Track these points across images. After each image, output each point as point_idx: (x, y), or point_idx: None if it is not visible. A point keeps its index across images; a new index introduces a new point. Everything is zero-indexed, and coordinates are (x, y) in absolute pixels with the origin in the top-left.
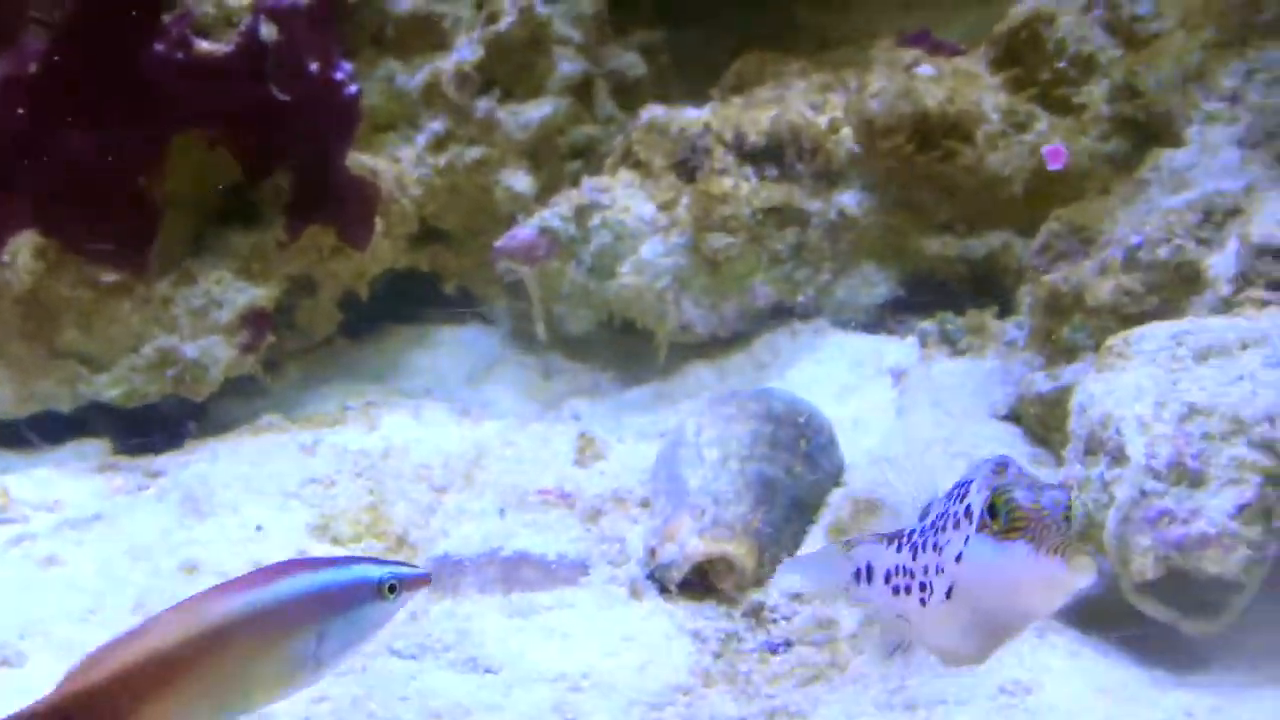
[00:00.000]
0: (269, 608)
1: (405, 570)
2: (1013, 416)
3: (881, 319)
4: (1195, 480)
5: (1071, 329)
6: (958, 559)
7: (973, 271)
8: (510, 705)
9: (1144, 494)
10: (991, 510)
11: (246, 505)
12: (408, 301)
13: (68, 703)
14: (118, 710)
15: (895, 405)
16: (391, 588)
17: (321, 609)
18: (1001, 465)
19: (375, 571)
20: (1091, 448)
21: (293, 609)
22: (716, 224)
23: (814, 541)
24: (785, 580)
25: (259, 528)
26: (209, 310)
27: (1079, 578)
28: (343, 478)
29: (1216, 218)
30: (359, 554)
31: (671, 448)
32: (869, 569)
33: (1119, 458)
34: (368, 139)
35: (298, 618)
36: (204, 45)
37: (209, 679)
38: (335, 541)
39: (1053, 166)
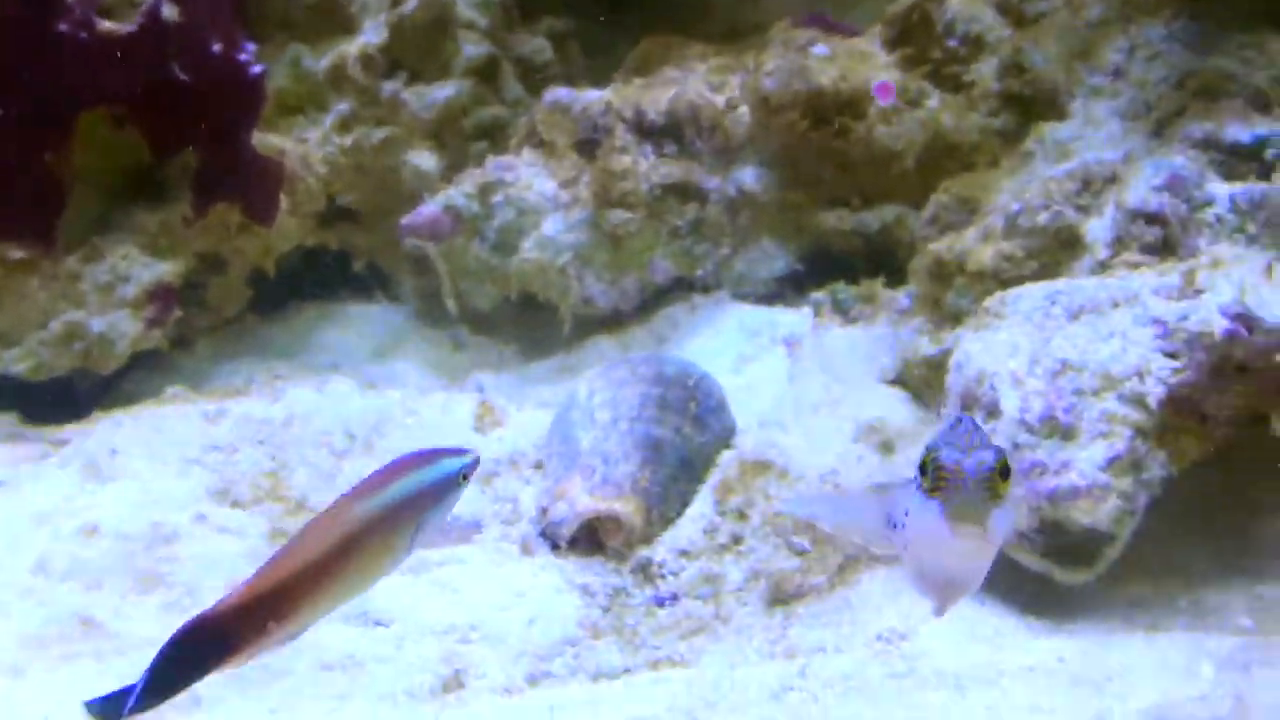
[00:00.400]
0: (388, 511)
1: (469, 459)
2: (900, 380)
3: (780, 292)
4: (1067, 434)
5: (956, 294)
6: (906, 514)
7: (868, 244)
8: (400, 657)
9: (1017, 447)
10: (922, 468)
11: (147, 471)
12: (317, 279)
13: (243, 600)
14: (280, 610)
15: (788, 372)
16: (465, 476)
17: (422, 505)
18: (957, 421)
19: (455, 464)
20: (967, 403)
21: (404, 509)
22: (616, 200)
23: (702, 501)
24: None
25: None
26: (115, 286)
27: (963, 543)
28: (245, 445)
29: (1095, 185)
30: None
31: (565, 410)
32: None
33: (993, 412)
34: (275, 121)
35: (408, 515)
36: (106, 25)
37: (343, 578)
38: (235, 505)
39: (884, 101)
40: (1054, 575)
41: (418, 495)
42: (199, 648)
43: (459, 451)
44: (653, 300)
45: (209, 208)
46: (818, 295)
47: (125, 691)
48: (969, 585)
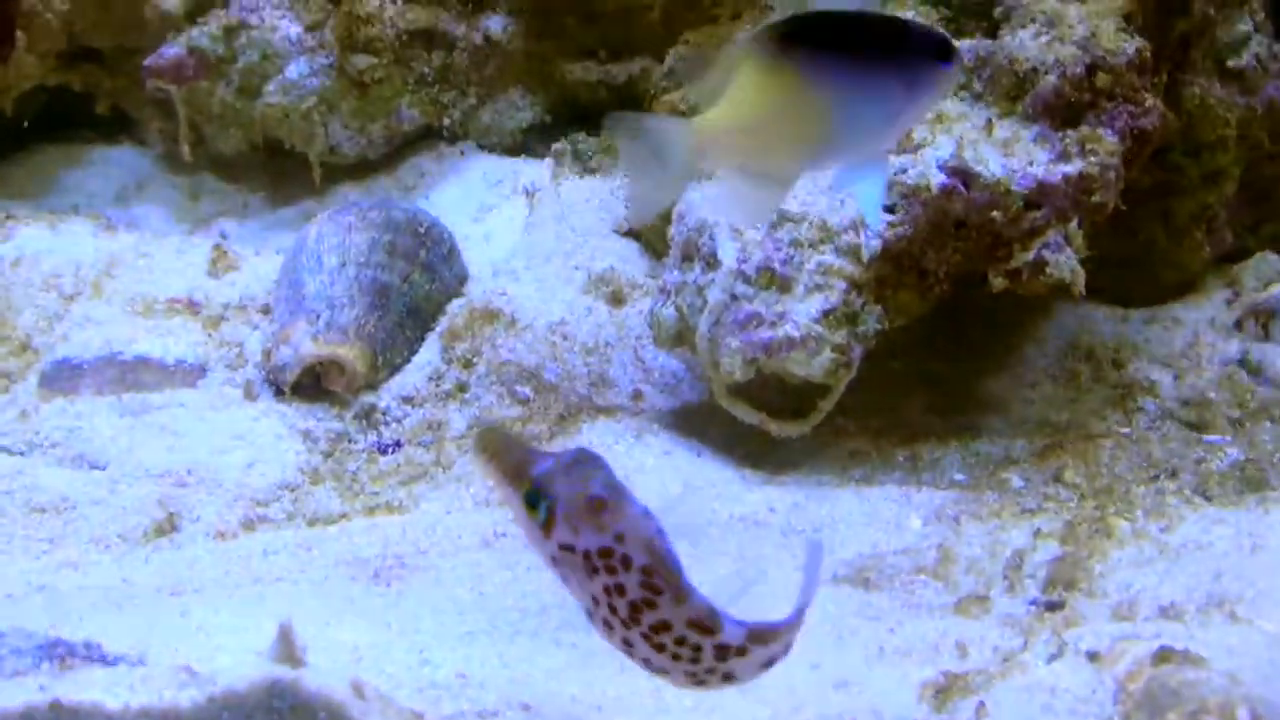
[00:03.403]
0: None
1: None
2: (633, 232)
3: (527, 143)
4: (783, 285)
5: None
6: None
7: (616, 96)
8: (114, 500)
9: (734, 298)
10: None
11: None
12: (60, 121)
13: None
14: None
15: (525, 222)
16: None
17: None
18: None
19: None
20: (687, 253)
21: None
22: (361, 45)
23: (429, 348)
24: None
25: None
26: None
27: None
28: None
29: None
30: None
31: (294, 255)
32: None
33: (712, 262)
34: None
35: None
36: None
37: None
38: None
39: None
40: (768, 427)
41: None
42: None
43: None
44: (400, 149)
45: None
46: (558, 145)
47: None
48: None
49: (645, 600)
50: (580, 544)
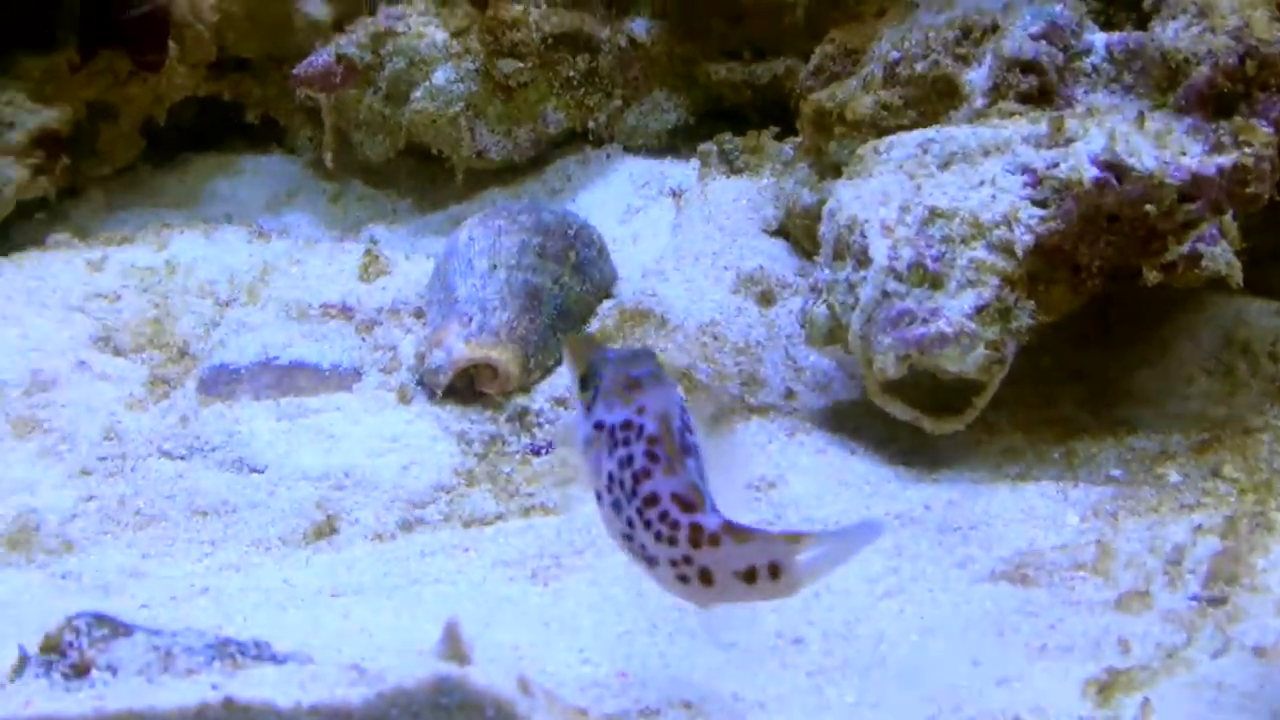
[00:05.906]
0: None
1: None
2: (782, 231)
3: (672, 144)
4: (935, 281)
5: (837, 144)
6: None
7: (760, 97)
8: (274, 503)
9: (886, 294)
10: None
11: (29, 317)
12: (212, 131)
13: None
14: None
15: (672, 223)
16: None
17: None
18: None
19: None
20: (839, 251)
21: None
22: (507, 50)
23: None
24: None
25: None
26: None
27: None
28: (128, 293)
29: (975, 35)
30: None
31: (445, 258)
32: None
33: (863, 260)
34: None
35: None
36: None
37: None
38: (116, 353)
39: None
40: (923, 425)
41: None
42: None
43: None
44: (546, 152)
45: (95, 53)
46: (704, 146)
47: None
48: None
49: (644, 470)
50: (610, 419)
